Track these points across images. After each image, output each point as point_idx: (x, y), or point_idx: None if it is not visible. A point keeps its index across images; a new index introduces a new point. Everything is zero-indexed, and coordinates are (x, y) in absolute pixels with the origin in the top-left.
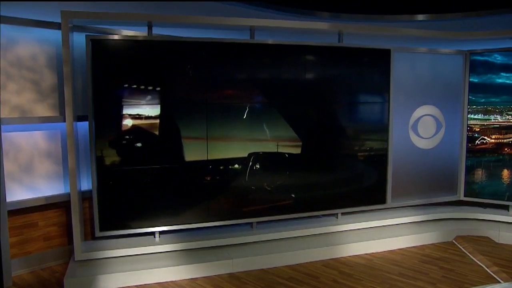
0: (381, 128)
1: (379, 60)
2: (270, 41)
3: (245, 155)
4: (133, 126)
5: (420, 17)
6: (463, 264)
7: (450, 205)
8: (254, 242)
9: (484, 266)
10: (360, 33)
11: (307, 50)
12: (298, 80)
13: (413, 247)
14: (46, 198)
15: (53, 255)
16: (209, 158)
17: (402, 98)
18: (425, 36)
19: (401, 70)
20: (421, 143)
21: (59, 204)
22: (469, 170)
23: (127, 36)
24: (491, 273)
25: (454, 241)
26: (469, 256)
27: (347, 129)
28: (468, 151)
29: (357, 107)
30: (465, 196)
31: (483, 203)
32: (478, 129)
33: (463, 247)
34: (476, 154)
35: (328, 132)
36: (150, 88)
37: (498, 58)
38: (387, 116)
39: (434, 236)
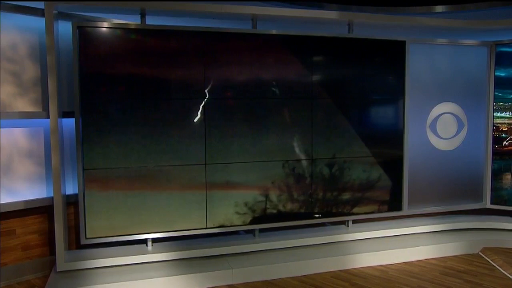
0: (396, 127)
1: (393, 53)
2: (273, 31)
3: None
4: (125, 122)
5: (439, 8)
6: (492, 278)
7: (475, 213)
8: (257, 251)
9: None
10: (372, 23)
11: (311, 42)
12: (300, 75)
13: (433, 258)
14: (26, 202)
15: (32, 266)
16: (208, 162)
17: (419, 95)
18: (444, 26)
19: (417, 64)
20: (441, 144)
21: (40, 210)
22: (496, 174)
23: (118, 24)
24: None
25: (480, 253)
26: (499, 270)
27: (358, 129)
28: (494, 153)
29: (368, 104)
30: (492, 203)
31: None
32: (506, 129)
33: (491, 260)
34: (504, 157)
35: (336, 133)
36: (143, 81)
37: None
38: (402, 114)
39: (457, 247)
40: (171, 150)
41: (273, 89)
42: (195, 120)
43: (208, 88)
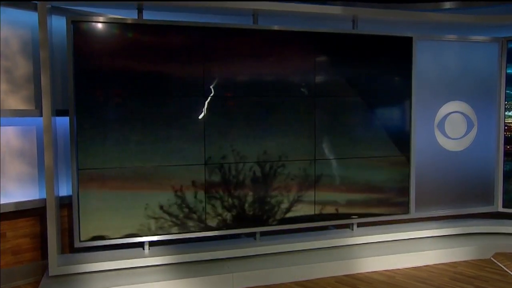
0: (402, 127)
1: (399, 50)
2: (275, 27)
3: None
4: (121, 121)
5: (448, 4)
6: (505, 284)
7: (486, 217)
8: (258, 255)
9: None
10: (377, 19)
11: (314, 38)
12: (302, 72)
13: (442, 263)
14: (17, 204)
15: (22, 271)
16: (207, 162)
17: (427, 93)
18: (453, 22)
19: (425, 61)
20: (449, 145)
21: (32, 212)
22: (508, 176)
23: (114, 19)
24: None
25: (492, 258)
26: None
27: (362, 129)
28: (506, 154)
29: (373, 103)
30: (503, 207)
31: None
32: None
33: (504, 265)
34: None
35: (340, 132)
36: (140, 79)
37: None
38: (409, 113)
39: (468, 252)
40: (169, 150)
41: (274, 86)
42: (194, 119)
43: (207, 86)
